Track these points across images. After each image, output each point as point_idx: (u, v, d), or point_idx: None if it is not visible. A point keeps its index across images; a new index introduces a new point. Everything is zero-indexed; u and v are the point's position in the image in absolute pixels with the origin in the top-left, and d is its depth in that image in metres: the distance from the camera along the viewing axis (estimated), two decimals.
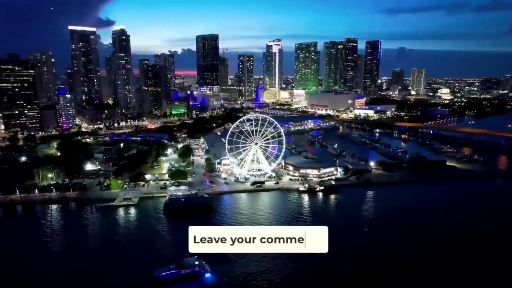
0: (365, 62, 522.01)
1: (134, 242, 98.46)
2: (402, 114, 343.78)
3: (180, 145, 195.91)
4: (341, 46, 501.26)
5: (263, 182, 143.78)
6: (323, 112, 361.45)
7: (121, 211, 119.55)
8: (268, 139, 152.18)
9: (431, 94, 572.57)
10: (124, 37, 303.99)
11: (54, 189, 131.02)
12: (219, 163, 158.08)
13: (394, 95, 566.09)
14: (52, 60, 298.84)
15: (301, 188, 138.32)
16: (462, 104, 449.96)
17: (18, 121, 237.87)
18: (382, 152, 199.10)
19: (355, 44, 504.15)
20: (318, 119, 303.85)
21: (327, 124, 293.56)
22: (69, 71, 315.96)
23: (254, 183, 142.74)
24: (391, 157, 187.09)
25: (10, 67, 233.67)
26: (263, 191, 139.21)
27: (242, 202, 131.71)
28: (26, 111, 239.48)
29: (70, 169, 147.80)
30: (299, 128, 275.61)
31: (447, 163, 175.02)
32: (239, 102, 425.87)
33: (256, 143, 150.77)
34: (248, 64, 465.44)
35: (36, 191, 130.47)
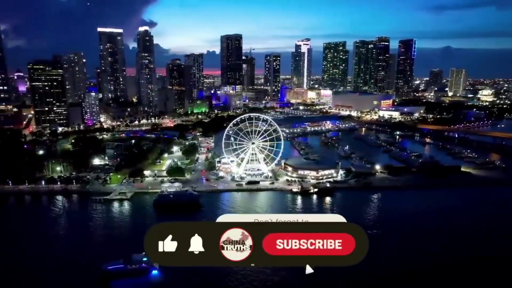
0: (398, 62, 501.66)
1: (107, 234, 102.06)
2: (431, 116, 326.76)
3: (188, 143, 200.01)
4: (372, 46, 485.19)
5: (258, 182, 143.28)
6: (347, 113, 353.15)
7: (113, 204, 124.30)
8: (266, 139, 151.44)
9: (470, 95, 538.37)
10: (147, 38, 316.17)
11: (59, 182, 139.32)
12: (219, 162, 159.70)
13: (429, 96, 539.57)
14: (84, 60, 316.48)
15: (295, 189, 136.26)
16: (504, 106, 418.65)
17: (48, 117, 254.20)
18: (394, 156, 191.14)
19: (387, 43, 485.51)
20: (337, 120, 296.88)
21: (346, 125, 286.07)
22: (98, 70, 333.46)
23: (248, 183, 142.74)
24: (403, 160, 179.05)
25: (42, 67, 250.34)
26: (256, 190, 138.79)
27: (233, 201, 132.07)
28: (55, 108, 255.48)
29: (78, 163, 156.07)
30: (316, 129, 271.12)
31: (462, 169, 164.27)
32: (264, 102, 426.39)
33: (253, 143, 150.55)
34: (274, 64, 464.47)
35: (43, 183, 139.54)
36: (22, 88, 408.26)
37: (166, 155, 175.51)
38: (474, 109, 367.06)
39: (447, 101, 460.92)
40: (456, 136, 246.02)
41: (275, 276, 77.43)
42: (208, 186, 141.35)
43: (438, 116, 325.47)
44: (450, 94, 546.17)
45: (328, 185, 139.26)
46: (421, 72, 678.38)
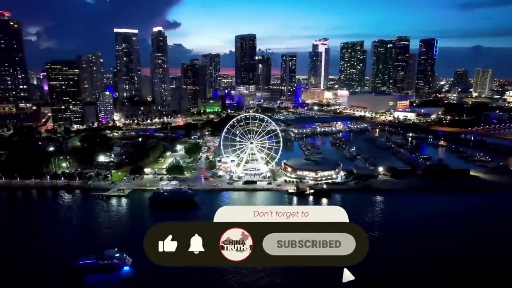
0: (419, 61, 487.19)
1: (94, 228, 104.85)
2: (448, 117, 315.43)
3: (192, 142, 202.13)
4: (391, 45, 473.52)
5: (255, 182, 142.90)
6: (362, 113, 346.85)
7: (109, 201, 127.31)
8: (264, 139, 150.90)
9: (496, 96, 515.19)
10: (161, 38, 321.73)
11: (62, 177, 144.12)
12: (219, 161, 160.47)
13: (452, 97, 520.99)
14: (101, 60, 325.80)
15: (290, 190, 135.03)
16: None
17: (64, 115, 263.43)
18: (402, 158, 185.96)
19: (407, 42, 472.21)
20: (349, 120, 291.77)
21: (358, 126, 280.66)
22: (114, 70, 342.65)
23: (245, 182, 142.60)
24: (410, 163, 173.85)
25: (59, 67, 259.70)
26: (252, 190, 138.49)
27: (229, 200, 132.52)
28: (71, 107, 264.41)
29: (83, 160, 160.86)
30: (326, 129, 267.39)
31: (471, 173, 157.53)
32: (278, 102, 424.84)
33: (252, 143, 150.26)
34: (290, 63, 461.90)
35: (48, 178, 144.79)
36: (47, 87, 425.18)
37: (168, 153, 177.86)
38: (497, 111, 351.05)
39: (470, 102, 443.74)
40: (472, 138, 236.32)
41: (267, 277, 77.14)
42: (205, 185, 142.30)
43: (456, 118, 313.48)
44: (474, 95, 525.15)
45: (325, 186, 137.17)
46: (447, 73, 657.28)
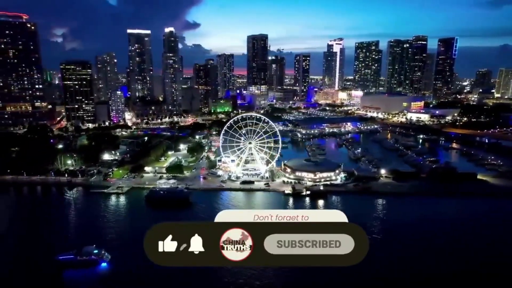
0: (437, 62, 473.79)
1: (85, 224, 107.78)
2: (465, 119, 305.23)
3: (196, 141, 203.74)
4: (408, 45, 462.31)
5: (252, 182, 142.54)
6: (374, 114, 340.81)
7: (108, 198, 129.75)
8: (263, 139, 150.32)
9: None
10: (172, 39, 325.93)
11: (66, 174, 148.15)
12: (219, 161, 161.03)
13: (473, 98, 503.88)
14: (115, 60, 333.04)
15: (287, 191, 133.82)
16: None
17: (77, 114, 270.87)
18: (408, 160, 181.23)
19: (424, 42, 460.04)
20: (359, 121, 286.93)
21: (368, 127, 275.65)
22: (128, 70, 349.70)
23: (243, 182, 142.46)
24: (415, 165, 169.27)
25: (72, 67, 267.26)
26: (249, 190, 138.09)
27: (225, 199, 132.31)
28: (83, 106, 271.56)
29: (88, 158, 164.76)
30: (335, 130, 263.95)
31: (479, 177, 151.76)
32: (291, 102, 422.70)
33: (250, 143, 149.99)
34: (304, 64, 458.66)
35: (52, 174, 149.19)
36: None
37: (170, 152, 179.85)
38: None
39: (490, 104, 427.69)
40: (487, 141, 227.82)
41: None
42: (204, 184, 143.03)
43: (473, 120, 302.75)
44: (496, 96, 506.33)
45: (321, 187, 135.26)
46: (469, 73, 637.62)
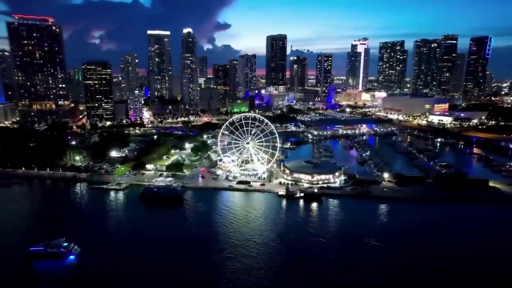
0: (468, 62, 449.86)
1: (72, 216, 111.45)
2: (493, 122, 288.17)
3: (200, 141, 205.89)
4: (436, 45, 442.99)
5: (248, 182, 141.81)
6: (395, 116, 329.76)
7: (106, 194, 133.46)
8: (261, 139, 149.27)
9: None
10: (190, 39, 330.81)
11: (72, 170, 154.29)
12: (220, 160, 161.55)
13: (509, 100, 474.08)
14: (136, 60, 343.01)
15: (281, 193, 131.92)
16: None
17: (97, 112, 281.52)
18: (417, 164, 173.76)
19: (454, 41, 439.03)
20: (375, 123, 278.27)
21: (384, 129, 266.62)
22: (147, 70, 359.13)
23: (239, 182, 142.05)
24: (424, 170, 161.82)
25: (93, 67, 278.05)
26: (244, 191, 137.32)
27: (219, 199, 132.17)
28: (103, 104, 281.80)
29: (96, 154, 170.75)
30: (348, 132, 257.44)
31: (490, 184, 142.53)
32: (311, 103, 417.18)
33: (248, 143, 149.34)
34: (325, 64, 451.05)
35: (60, 170, 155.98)
36: None
37: (174, 150, 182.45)
38: None
39: None
40: (510, 146, 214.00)
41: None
42: (201, 183, 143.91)
43: (502, 123, 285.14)
44: None
45: (315, 190, 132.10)
46: (509, 74, 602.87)
